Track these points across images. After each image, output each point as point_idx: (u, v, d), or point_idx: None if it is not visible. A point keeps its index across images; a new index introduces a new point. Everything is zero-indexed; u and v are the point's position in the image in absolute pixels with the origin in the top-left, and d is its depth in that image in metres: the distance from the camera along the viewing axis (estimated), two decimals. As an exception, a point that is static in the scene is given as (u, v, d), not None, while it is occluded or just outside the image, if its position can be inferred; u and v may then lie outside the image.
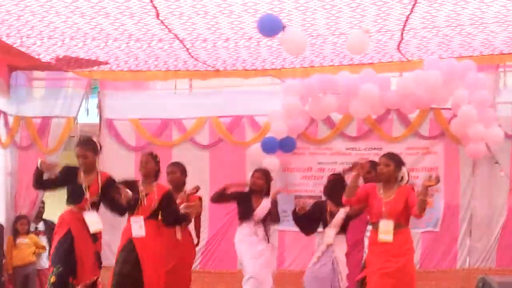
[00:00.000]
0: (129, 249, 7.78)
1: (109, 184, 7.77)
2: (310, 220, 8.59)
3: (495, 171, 10.34)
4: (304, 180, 10.53)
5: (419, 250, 10.30)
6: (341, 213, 8.48)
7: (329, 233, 8.52)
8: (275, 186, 10.34)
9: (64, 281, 7.38)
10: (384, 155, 7.39)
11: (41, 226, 10.87)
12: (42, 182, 7.80)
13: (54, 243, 7.66)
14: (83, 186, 7.67)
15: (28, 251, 10.37)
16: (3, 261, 9.74)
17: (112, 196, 7.69)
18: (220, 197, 8.98)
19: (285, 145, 10.11)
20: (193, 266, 10.34)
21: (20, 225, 10.36)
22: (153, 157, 8.13)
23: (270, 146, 10.02)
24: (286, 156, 10.30)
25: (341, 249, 8.45)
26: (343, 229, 8.50)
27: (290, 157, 10.41)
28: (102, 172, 7.92)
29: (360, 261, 8.18)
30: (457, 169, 10.38)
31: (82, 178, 7.72)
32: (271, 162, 10.01)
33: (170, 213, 8.01)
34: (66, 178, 7.75)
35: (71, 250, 7.51)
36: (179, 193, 8.57)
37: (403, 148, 10.29)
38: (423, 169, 10.34)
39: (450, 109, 10.00)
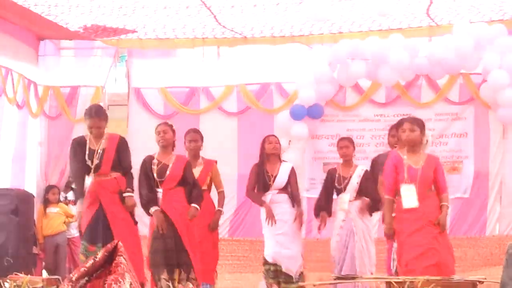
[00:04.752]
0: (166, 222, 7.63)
1: (122, 144, 7.72)
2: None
3: (526, 137, 10.25)
4: (332, 147, 10.45)
5: (449, 216, 10.22)
6: (355, 177, 8.46)
7: (344, 198, 8.50)
8: (303, 153, 10.39)
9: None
10: (407, 121, 7.28)
11: (70, 195, 10.95)
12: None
13: (85, 220, 7.57)
14: (97, 152, 7.58)
15: (58, 221, 10.45)
16: (34, 230, 9.81)
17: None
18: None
19: (313, 112, 10.07)
20: (222, 235, 10.46)
21: (51, 194, 10.44)
22: (170, 127, 7.97)
23: (298, 114, 10.00)
24: (314, 123, 10.27)
25: (361, 216, 8.44)
26: (361, 193, 8.45)
27: (318, 124, 10.37)
28: (111, 134, 7.78)
29: None
30: (487, 135, 10.28)
31: (92, 143, 7.63)
32: (299, 129, 10.00)
33: (192, 181, 7.88)
34: (80, 152, 7.66)
35: (107, 228, 7.47)
36: (197, 160, 8.49)
37: (432, 114, 10.23)
38: (452, 135, 10.29)
39: (480, 74, 9.90)
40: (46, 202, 10.44)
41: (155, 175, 7.75)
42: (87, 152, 7.59)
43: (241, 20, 9.36)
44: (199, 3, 8.50)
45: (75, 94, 10.73)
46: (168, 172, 7.76)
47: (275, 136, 8.79)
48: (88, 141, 7.65)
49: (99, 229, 7.49)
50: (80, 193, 7.73)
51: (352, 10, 8.94)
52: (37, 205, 10.22)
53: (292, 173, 8.57)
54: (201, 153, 8.63)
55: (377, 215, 8.89)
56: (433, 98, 10.35)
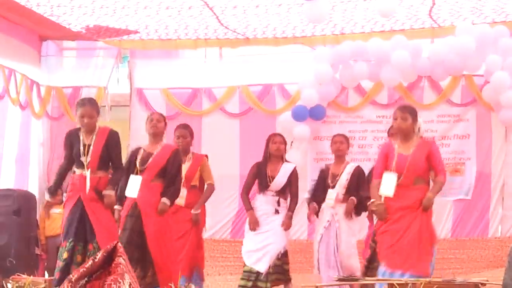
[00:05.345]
0: (136, 215, 7.48)
1: (112, 139, 7.44)
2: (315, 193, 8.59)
3: (528, 138, 10.24)
4: (334, 148, 10.51)
5: (451, 218, 10.26)
6: (345, 174, 8.43)
7: (331, 194, 8.44)
8: (306, 155, 10.38)
9: (77, 255, 7.21)
10: (399, 109, 7.19)
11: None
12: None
13: (65, 213, 7.39)
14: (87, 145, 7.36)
15: (60, 221, 10.42)
16: (37, 231, 9.81)
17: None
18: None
19: (315, 114, 10.07)
20: (223, 236, 10.45)
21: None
22: (163, 118, 7.89)
23: (300, 115, 10.00)
24: (317, 125, 10.26)
25: (347, 221, 8.40)
26: (350, 190, 8.40)
27: (321, 125, 10.37)
28: (102, 127, 7.53)
29: None
30: (489, 137, 10.27)
31: (84, 138, 7.40)
32: (301, 130, 10.01)
33: (173, 173, 7.63)
34: (72, 144, 7.47)
35: (84, 220, 7.26)
36: (186, 155, 8.39)
37: (434, 115, 10.23)
38: (454, 136, 10.28)
39: (482, 75, 9.89)
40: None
41: (137, 163, 7.61)
42: (80, 148, 7.37)
43: (243, 21, 9.37)
44: (202, 4, 8.51)
45: (78, 94, 10.71)
46: (150, 160, 7.59)
47: (281, 136, 8.68)
48: (82, 133, 7.43)
49: (73, 225, 7.24)
50: (54, 187, 7.61)
51: (355, 11, 8.93)
52: (40, 206, 10.22)
53: (293, 175, 8.48)
54: (203, 153, 8.62)
55: (362, 220, 8.80)
56: (435, 100, 10.34)
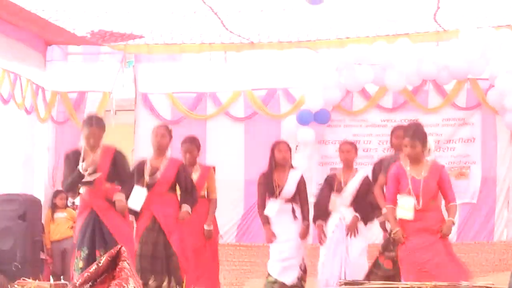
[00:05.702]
0: (156, 229, 7.58)
1: (118, 158, 7.43)
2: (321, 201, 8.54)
3: (533, 142, 10.23)
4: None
5: (456, 222, 10.21)
6: (354, 182, 8.37)
7: (337, 201, 8.36)
8: (310, 159, 10.38)
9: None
10: (408, 136, 7.10)
11: (78, 200, 10.94)
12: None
13: (78, 226, 7.43)
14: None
15: (65, 226, 10.46)
16: (42, 235, 9.83)
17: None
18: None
19: (320, 118, 10.08)
20: (229, 240, 10.44)
21: (59, 199, 10.45)
22: (169, 131, 7.93)
23: (305, 119, 10.01)
24: (321, 129, 10.27)
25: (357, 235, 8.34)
26: (357, 199, 8.35)
27: (325, 129, 10.37)
28: (106, 146, 7.47)
29: None
30: (494, 140, 10.26)
31: (86, 156, 7.34)
32: (306, 134, 10.01)
33: (189, 187, 7.78)
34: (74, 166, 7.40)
35: (98, 230, 7.26)
36: (193, 166, 8.39)
37: (439, 119, 10.22)
38: (459, 140, 10.27)
39: (487, 79, 9.88)
40: (54, 207, 10.44)
41: (146, 178, 7.67)
42: (81, 165, 7.31)
43: (248, 25, 9.38)
44: (206, 9, 8.52)
45: (83, 99, 10.75)
46: (158, 175, 7.67)
47: (286, 143, 8.55)
48: (82, 153, 7.38)
49: (87, 234, 7.26)
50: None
51: (359, 15, 8.94)
52: (45, 210, 10.24)
53: (301, 182, 8.41)
54: (208, 158, 8.62)
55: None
56: (440, 104, 10.33)
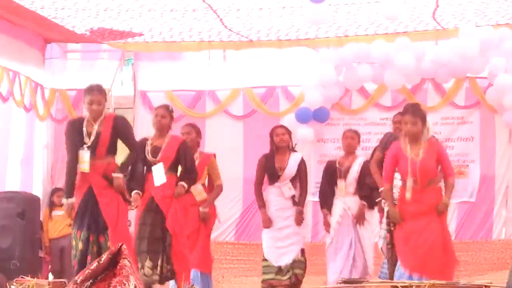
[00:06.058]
0: (154, 210, 7.53)
1: (120, 124, 7.27)
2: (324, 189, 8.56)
3: (532, 141, 10.24)
4: (338, 150, 10.46)
5: (455, 220, 10.25)
6: (356, 166, 8.40)
7: (341, 185, 8.39)
8: (309, 157, 10.38)
9: (93, 245, 7.03)
10: (410, 114, 7.13)
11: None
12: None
13: (76, 203, 7.14)
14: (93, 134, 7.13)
15: (63, 224, 10.44)
16: (41, 233, 9.82)
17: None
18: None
19: (319, 116, 10.08)
20: (227, 238, 10.44)
21: (56, 197, 10.43)
22: (169, 112, 7.87)
23: (304, 117, 10.02)
24: (320, 127, 10.27)
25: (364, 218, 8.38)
26: (360, 185, 8.38)
27: (324, 127, 10.38)
28: (107, 114, 7.36)
29: None
30: (493, 139, 10.28)
31: (91, 125, 7.16)
32: (305, 132, 10.02)
33: (188, 164, 7.72)
34: (76, 133, 7.20)
35: (95, 212, 7.07)
36: (193, 154, 8.34)
37: (438, 118, 10.21)
38: (458, 139, 10.28)
39: (486, 78, 9.89)
40: (52, 205, 10.41)
41: (148, 156, 7.62)
42: (84, 135, 7.15)
43: (247, 24, 9.38)
44: (206, 7, 8.52)
45: (82, 97, 10.71)
46: (160, 153, 7.63)
47: (283, 127, 8.64)
48: (85, 123, 7.22)
49: (86, 215, 7.08)
50: (69, 186, 7.24)
51: (358, 13, 8.94)
52: (43, 208, 10.23)
53: (302, 164, 8.44)
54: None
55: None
56: (439, 102, 10.35)
